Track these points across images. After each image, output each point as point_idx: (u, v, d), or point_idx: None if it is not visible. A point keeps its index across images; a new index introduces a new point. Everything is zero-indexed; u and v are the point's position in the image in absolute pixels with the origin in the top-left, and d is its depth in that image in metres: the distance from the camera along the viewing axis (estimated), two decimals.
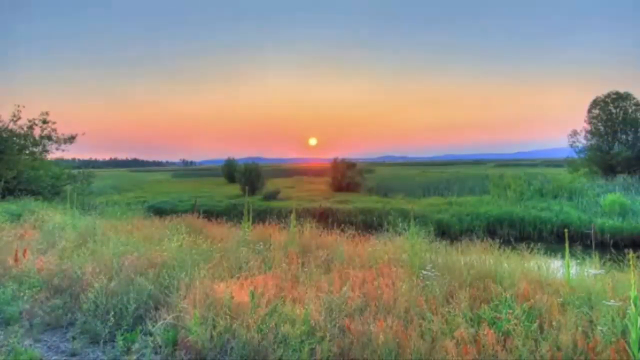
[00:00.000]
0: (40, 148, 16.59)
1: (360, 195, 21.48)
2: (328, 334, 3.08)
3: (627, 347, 2.70)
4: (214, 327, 3.24)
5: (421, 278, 4.31)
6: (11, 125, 15.76)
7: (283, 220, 7.26)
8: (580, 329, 3.03)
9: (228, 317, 3.29)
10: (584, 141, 24.91)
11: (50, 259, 5.23)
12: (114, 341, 3.36)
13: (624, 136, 23.89)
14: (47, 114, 16.43)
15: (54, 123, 16.60)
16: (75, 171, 18.31)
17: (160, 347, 3.21)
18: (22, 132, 16.01)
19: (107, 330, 3.46)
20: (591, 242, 4.59)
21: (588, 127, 24.78)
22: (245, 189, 22.49)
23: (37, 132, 16.34)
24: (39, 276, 4.66)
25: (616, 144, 23.85)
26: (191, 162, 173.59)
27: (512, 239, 5.58)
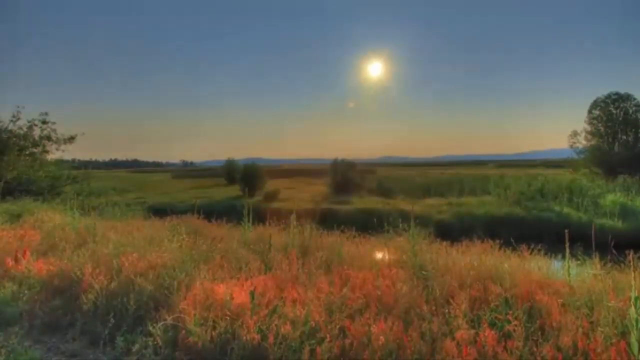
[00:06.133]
0: (40, 148, 16.56)
1: (360, 196, 21.45)
2: (328, 335, 3.08)
3: (627, 348, 2.70)
4: (214, 328, 3.24)
5: (421, 279, 4.31)
6: (11, 126, 15.74)
7: (283, 221, 7.25)
8: (580, 329, 3.03)
9: (228, 318, 3.29)
10: (584, 142, 24.90)
11: (50, 259, 5.23)
12: (114, 342, 3.36)
13: (624, 137, 23.85)
14: (46, 114, 16.42)
15: (54, 123, 16.59)
16: (75, 172, 18.29)
17: (160, 348, 3.20)
18: (22, 132, 15.98)
19: (107, 331, 3.46)
20: (592, 243, 4.56)
21: (588, 127, 24.76)
22: (245, 190, 22.48)
23: (36, 132, 16.33)
24: (39, 277, 4.66)
25: (616, 144, 23.82)
26: (191, 163, 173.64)
27: (512, 240, 5.56)
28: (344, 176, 25.54)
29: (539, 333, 3.06)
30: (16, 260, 5.10)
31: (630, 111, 23.61)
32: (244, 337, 3.08)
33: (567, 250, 4.30)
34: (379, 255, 5.61)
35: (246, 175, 25.94)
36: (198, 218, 8.71)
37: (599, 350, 2.77)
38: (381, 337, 2.95)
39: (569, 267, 4.24)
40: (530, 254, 5.13)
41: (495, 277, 4.29)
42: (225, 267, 4.68)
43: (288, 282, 4.21)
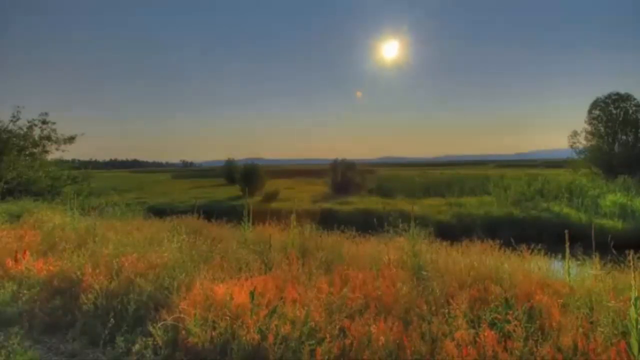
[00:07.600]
0: (39, 149, 16.54)
1: (360, 196, 21.45)
2: (328, 335, 3.08)
3: (627, 348, 2.70)
4: (214, 328, 3.23)
5: (421, 279, 4.31)
6: (10, 126, 15.72)
7: (283, 221, 7.25)
8: (580, 330, 3.03)
9: (228, 318, 3.29)
10: (585, 142, 24.92)
11: (50, 259, 5.22)
12: (114, 342, 3.36)
13: (624, 137, 23.85)
14: (46, 114, 16.40)
15: (54, 123, 16.57)
16: (75, 172, 18.26)
17: (160, 348, 3.20)
18: (22, 132, 15.96)
19: (107, 332, 3.46)
20: (591, 243, 4.56)
21: (588, 127, 24.77)
22: (245, 190, 22.47)
23: (36, 132, 16.31)
24: (39, 277, 4.65)
25: (616, 144, 23.83)
26: (191, 163, 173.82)
27: (512, 240, 5.56)
28: (344, 176, 25.57)
29: (539, 333, 3.05)
30: (16, 260, 5.10)
31: (630, 111, 23.62)
32: (244, 338, 3.08)
33: (567, 251, 4.30)
34: (379, 255, 5.60)
35: (246, 176, 25.94)
36: (198, 218, 8.72)
37: (599, 350, 2.77)
38: (381, 338, 2.95)
39: (568, 267, 4.24)
40: (530, 254, 5.13)
41: (495, 277, 4.29)
42: (225, 267, 4.67)
43: (288, 282, 4.21)
